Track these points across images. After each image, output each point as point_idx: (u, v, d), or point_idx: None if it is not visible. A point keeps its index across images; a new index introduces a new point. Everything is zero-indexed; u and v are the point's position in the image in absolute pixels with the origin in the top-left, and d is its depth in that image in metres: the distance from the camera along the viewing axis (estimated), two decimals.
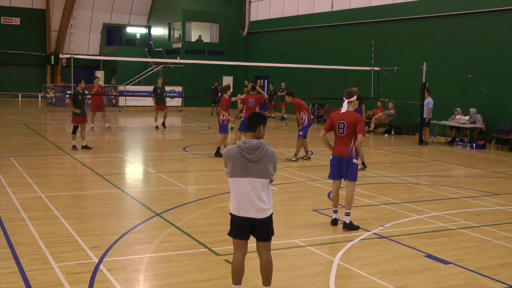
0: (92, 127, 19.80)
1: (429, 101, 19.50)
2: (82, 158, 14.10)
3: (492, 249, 7.57)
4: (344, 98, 8.29)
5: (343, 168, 8.22)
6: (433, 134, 20.84)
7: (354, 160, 8.20)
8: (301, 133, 14.49)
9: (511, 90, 19.07)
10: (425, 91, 19.29)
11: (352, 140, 8.15)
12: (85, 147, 15.51)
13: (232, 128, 20.08)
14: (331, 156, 8.40)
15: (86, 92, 16.75)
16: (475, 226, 8.69)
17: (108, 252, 6.87)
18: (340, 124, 8.20)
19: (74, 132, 15.50)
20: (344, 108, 8.25)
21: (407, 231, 8.31)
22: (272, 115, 28.55)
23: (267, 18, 33.07)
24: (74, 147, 15.38)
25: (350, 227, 8.19)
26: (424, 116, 19.48)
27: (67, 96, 16.48)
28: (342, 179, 8.36)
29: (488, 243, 7.87)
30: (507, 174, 14.01)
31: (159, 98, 22.08)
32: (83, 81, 15.83)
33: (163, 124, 21.93)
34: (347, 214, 8.21)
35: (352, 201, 8.32)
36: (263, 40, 33.51)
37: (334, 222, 8.42)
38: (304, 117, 14.50)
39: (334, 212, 8.45)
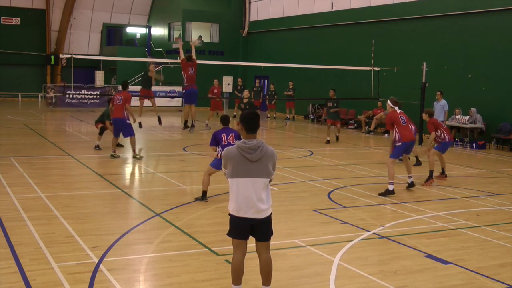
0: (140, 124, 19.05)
1: (443, 103, 19.12)
2: (82, 158, 14.10)
3: (492, 249, 7.57)
4: (396, 107, 11.32)
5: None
6: None
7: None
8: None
9: (511, 90, 19.07)
10: (438, 93, 19.16)
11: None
12: None
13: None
14: (400, 143, 11.02)
15: None
16: (475, 226, 8.69)
17: (108, 252, 6.87)
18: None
19: None
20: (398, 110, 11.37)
21: (407, 231, 8.32)
22: (274, 116, 28.32)
23: (267, 18, 33.04)
24: None
25: (412, 185, 11.33)
26: (442, 120, 19.12)
27: None
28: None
29: (488, 243, 7.87)
30: (507, 174, 14.01)
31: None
32: None
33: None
34: (410, 177, 11.42)
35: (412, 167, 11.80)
36: (263, 40, 33.49)
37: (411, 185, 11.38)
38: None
39: (409, 178, 11.43)
